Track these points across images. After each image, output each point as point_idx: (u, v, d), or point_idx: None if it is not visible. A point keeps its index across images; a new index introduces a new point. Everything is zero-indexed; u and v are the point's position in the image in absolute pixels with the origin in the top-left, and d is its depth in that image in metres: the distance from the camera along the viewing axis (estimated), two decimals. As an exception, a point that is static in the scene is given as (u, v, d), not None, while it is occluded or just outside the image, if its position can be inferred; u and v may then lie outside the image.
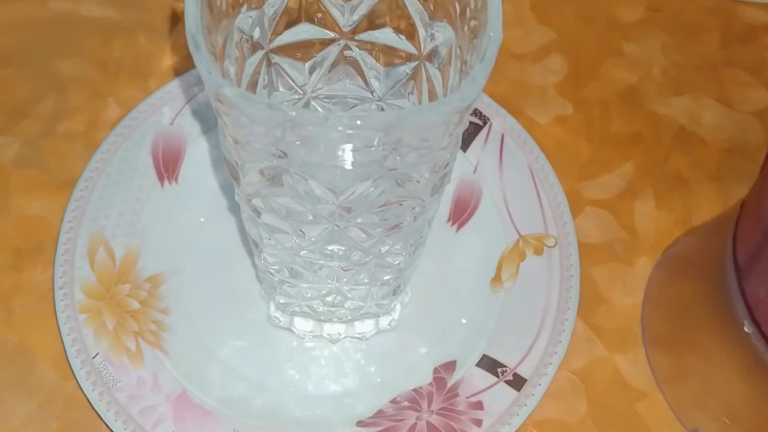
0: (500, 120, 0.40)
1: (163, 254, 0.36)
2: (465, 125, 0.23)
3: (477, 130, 0.40)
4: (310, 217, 0.25)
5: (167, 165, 0.38)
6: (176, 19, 0.44)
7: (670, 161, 0.42)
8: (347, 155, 0.21)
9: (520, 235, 0.37)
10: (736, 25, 0.47)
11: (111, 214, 0.36)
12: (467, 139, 0.39)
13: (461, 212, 0.39)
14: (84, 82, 0.42)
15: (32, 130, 0.40)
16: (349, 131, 0.20)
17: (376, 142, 0.21)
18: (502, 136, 0.40)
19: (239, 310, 0.36)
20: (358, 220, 0.25)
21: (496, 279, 0.37)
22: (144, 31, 0.44)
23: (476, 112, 0.40)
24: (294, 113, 0.19)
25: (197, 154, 0.39)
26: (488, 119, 0.40)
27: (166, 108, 0.39)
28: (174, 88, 0.40)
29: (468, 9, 0.23)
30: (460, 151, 0.39)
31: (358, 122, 0.20)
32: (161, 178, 0.38)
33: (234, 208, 0.38)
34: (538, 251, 0.37)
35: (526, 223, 0.38)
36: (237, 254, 0.37)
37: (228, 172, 0.25)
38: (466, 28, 0.24)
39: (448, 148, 0.23)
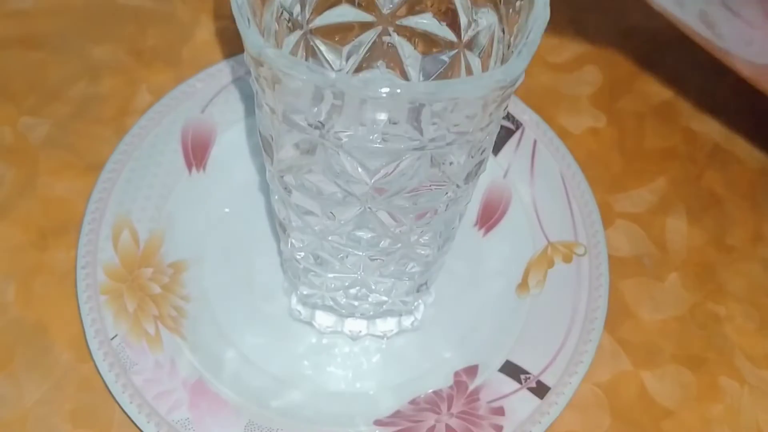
0: (533, 126, 0.39)
1: (187, 241, 0.36)
2: (505, 108, 0.23)
3: (509, 134, 0.39)
4: (341, 197, 0.24)
5: (196, 153, 0.38)
6: (210, 11, 0.44)
7: (704, 178, 0.41)
8: (384, 129, 0.21)
9: (549, 241, 0.37)
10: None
11: (137, 198, 0.36)
12: (498, 143, 0.39)
13: (489, 216, 0.38)
14: (117, 68, 0.42)
15: (62, 113, 0.40)
16: (388, 97, 0.19)
17: (414, 118, 0.21)
18: (535, 141, 0.39)
19: (260, 301, 0.35)
20: (390, 202, 0.24)
21: (523, 285, 0.36)
22: (178, 20, 0.44)
23: (509, 117, 0.39)
24: (334, 76, 0.19)
25: (226, 143, 0.38)
26: (521, 124, 0.39)
27: (197, 96, 0.39)
28: (206, 76, 0.39)
29: (514, -9, 0.23)
30: (491, 155, 0.39)
31: (398, 91, 0.19)
32: (189, 166, 0.38)
33: (260, 199, 0.37)
34: (567, 259, 0.36)
35: (555, 230, 0.37)
36: (261, 244, 0.37)
37: (262, 149, 0.25)
38: (510, 10, 0.23)
39: (486, 130, 0.23)
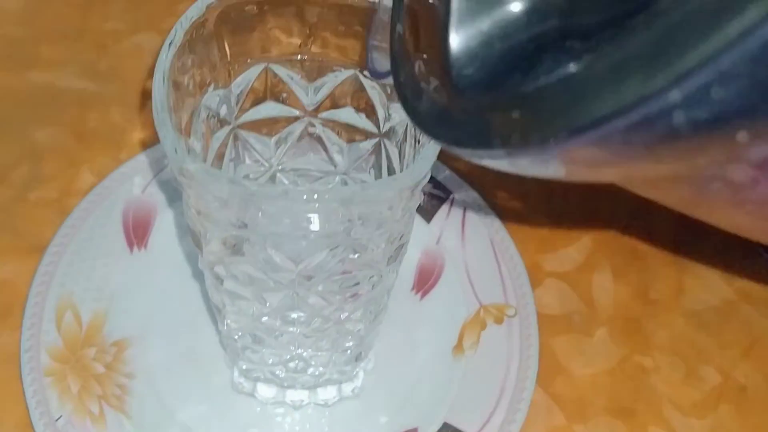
0: (462, 193, 0.41)
1: (129, 319, 0.37)
2: (418, 200, 0.24)
3: (440, 202, 0.41)
4: (271, 284, 0.26)
5: (137, 232, 0.39)
6: (148, 93, 0.45)
7: (626, 236, 0.43)
8: (307, 227, 0.23)
9: (481, 304, 0.39)
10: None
11: (80, 279, 0.37)
12: (430, 211, 0.41)
13: (425, 281, 0.40)
14: (59, 150, 0.43)
15: (5, 196, 0.41)
16: (309, 204, 0.21)
17: (334, 216, 0.22)
18: (464, 209, 0.41)
19: (203, 374, 0.36)
20: (318, 288, 0.26)
21: (458, 347, 0.38)
22: (119, 103, 0.45)
23: (439, 186, 0.41)
24: (255, 188, 0.20)
25: (167, 222, 0.40)
26: (451, 192, 0.41)
27: (137, 177, 0.40)
28: (146, 158, 0.41)
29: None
30: (423, 222, 0.40)
31: (316, 196, 0.21)
32: (131, 245, 0.39)
33: (199, 275, 0.38)
34: (499, 320, 0.38)
35: (486, 293, 0.39)
36: (202, 320, 0.38)
37: (192, 240, 0.26)
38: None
39: (402, 221, 0.24)
